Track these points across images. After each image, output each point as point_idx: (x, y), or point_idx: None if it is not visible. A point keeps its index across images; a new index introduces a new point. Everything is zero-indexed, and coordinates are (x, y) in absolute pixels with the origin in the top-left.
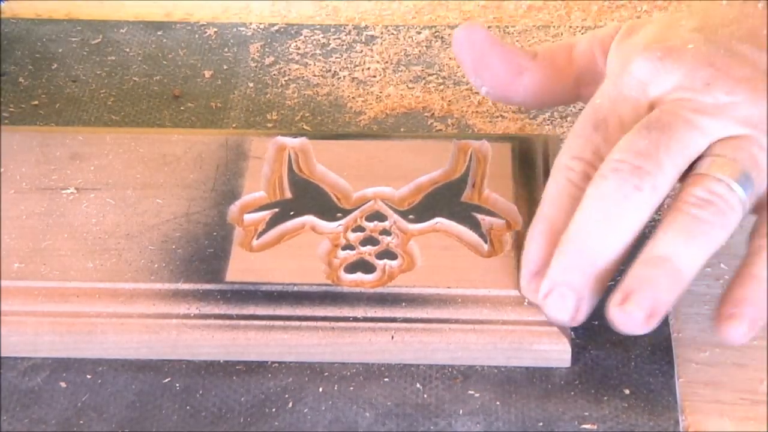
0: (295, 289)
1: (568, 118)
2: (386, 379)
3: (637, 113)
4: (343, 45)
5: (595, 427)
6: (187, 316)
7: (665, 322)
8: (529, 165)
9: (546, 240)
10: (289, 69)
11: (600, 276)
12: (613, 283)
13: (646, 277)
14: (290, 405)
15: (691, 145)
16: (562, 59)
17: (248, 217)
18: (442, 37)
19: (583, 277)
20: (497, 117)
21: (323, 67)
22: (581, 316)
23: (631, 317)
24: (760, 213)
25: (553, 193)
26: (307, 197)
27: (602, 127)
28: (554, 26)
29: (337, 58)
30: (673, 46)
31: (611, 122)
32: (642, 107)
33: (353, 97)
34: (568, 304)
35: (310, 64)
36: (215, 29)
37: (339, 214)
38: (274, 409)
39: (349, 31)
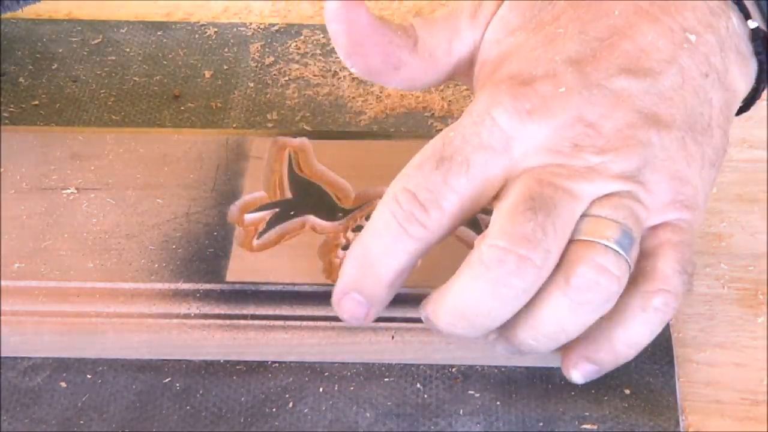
0: (296, 288)
1: None
2: (387, 379)
3: (489, 165)
4: None
5: (596, 427)
6: (187, 316)
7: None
8: None
9: (359, 270)
10: (289, 69)
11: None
12: None
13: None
14: (290, 405)
15: (575, 217)
16: (442, 49)
17: (248, 217)
18: None
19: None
20: None
21: (323, 67)
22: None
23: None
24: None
25: (377, 224)
26: (308, 197)
27: (445, 166)
28: None
29: (337, 58)
30: (544, 96)
31: (456, 162)
32: (499, 159)
33: (353, 97)
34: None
35: (310, 64)
36: (215, 29)
37: (339, 214)
38: (274, 409)
39: None
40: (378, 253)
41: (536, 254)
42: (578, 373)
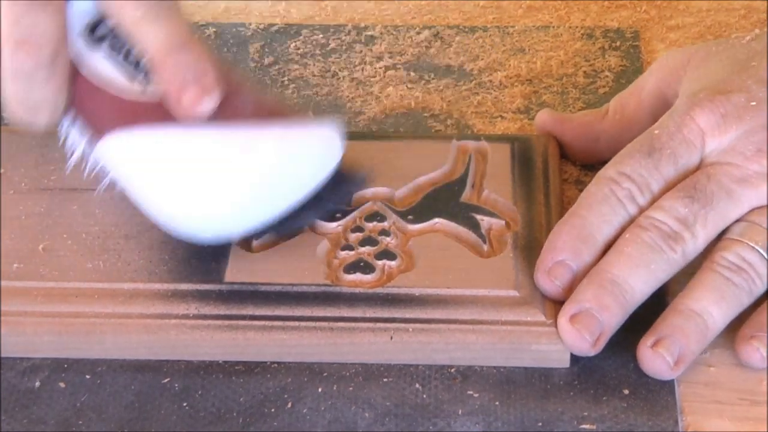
0: (295, 289)
1: None
2: (385, 380)
3: (690, 157)
4: (342, 45)
5: (594, 427)
6: (186, 317)
7: None
8: (529, 165)
9: (575, 238)
10: (289, 69)
11: (624, 315)
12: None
13: (679, 326)
14: (289, 405)
15: (728, 217)
16: (632, 107)
17: None
18: (441, 38)
19: (616, 311)
20: (497, 117)
21: (323, 67)
22: (598, 348)
23: (660, 360)
24: None
25: (594, 198)
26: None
27: (656, 157)
28: (554, 26)
29: (336, 58)
30: (737, 104)
31: (665, 154)
32: (696, 153)
33: (353, 97)
34: (594, 331)
35: (309, 65)
36: (215, 29)
37: (338, 215)
38: (273, 410)
39: (349, 31)
40: (596, 222)
41: (686, 233)
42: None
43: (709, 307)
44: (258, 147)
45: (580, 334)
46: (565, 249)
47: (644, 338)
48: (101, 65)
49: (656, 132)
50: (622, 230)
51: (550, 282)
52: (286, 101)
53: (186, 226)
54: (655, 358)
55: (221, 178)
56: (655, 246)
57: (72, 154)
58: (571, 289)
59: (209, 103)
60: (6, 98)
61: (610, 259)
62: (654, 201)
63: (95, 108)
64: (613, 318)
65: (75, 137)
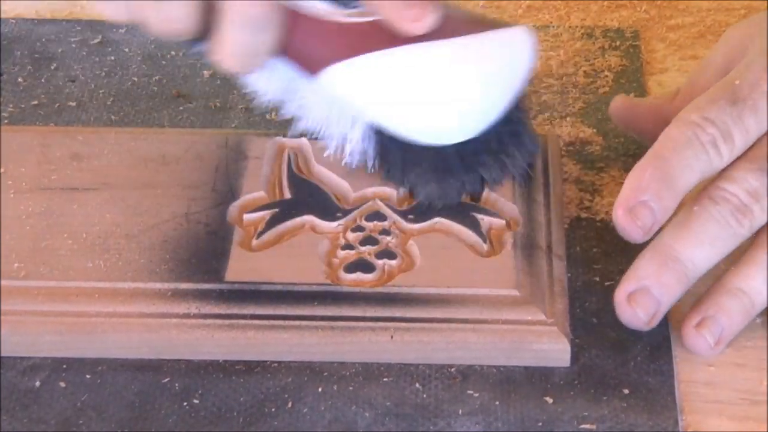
0: (295, 288)
1: (568, 118)
2: (385, 379)
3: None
4: None
5: (594, 427)
6: (186, 316)
7: (665, 322)
8: (529, 165)
9: (659, 179)
10: None
11: (683, 292)
12: None
13: (724, 306)
14: (289, 405)
15: None
16: (701, 85)
17: (248, 217)
18: None
19: (675, 289)
20: None
21: None
22: (653, 325)
23: (702, 341)
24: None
25: (676, 141)
26: (307, 197)
27: (740, 106)
28: (554, 26)
29: None
30: None
31: (748, 106)
32: None
33: None
34: (650, 311)
35: None
36: None
37: (339, 214)
38: (273, 409)
39: None
40: (679, 165)
41: (756, 207)
42: None
43: (760, 286)
44: (482, 53)
45: (636, 313)
46: (650, 189)
47: (689, 316)
48: (310, 5)
49: (737, 82)
50: (702, 178)
51: (632, 222)
52: None
53: (420, 134)
54: (698, 338)
55: (449, 87)
56: (723, 221)
57: (266, 97)
58: (649, 234)
59: (431, 19)
60: (227, 49)
61: (675, 234)
62: (734, 156)
63: (315, 42)
64: (671, 296)
65: (273, 79)
